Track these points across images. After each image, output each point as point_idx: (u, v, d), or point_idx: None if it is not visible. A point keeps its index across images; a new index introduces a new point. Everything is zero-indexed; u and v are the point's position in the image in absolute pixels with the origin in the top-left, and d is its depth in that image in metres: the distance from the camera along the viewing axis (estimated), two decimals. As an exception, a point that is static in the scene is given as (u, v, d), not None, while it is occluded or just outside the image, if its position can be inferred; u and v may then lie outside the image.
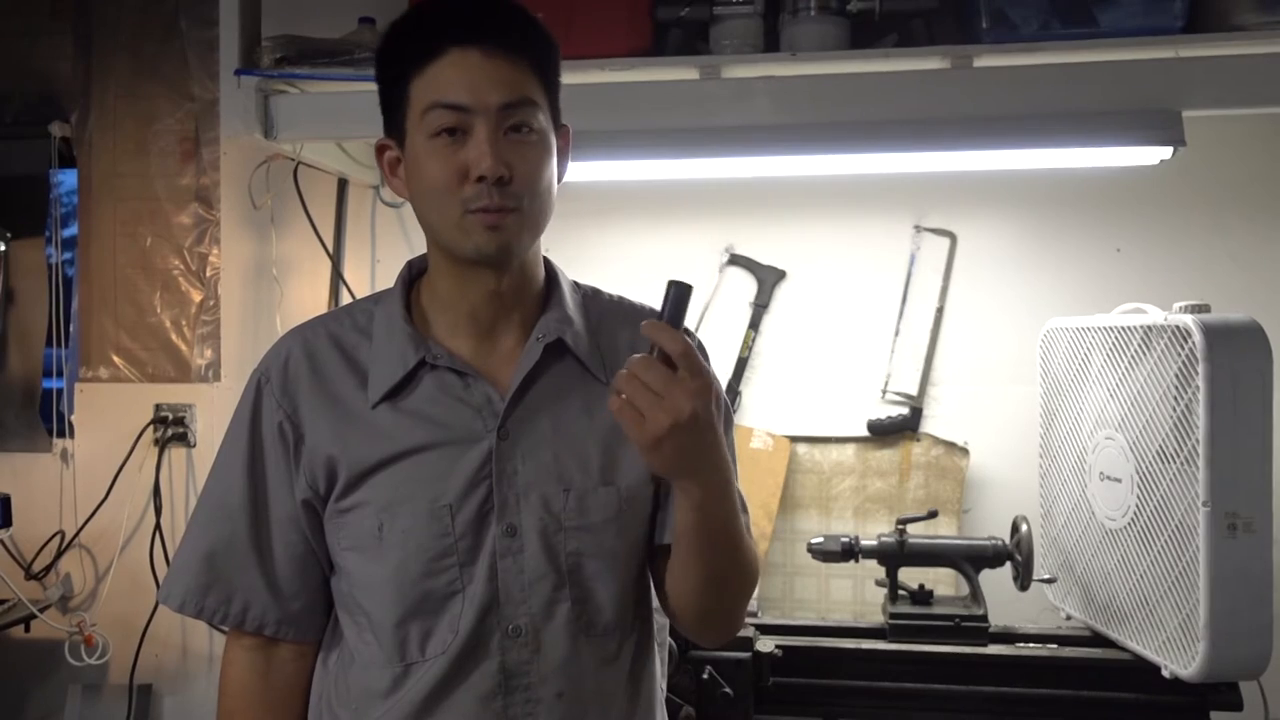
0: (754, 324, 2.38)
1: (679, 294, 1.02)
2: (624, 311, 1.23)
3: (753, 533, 1.22)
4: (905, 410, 2.32)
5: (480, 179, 1.04)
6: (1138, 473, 1.75)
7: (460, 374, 1.12)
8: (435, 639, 1.09)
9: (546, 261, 1.20)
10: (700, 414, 0.98)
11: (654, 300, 1.24)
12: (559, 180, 1.13)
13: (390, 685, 1.10)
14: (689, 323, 1.08)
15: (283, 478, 1.14)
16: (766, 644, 1.83)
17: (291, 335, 1.20)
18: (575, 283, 1.23)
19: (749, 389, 2.38)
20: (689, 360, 0.98)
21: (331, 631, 1.19)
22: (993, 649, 1.88)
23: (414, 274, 1.21)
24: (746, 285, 2.40)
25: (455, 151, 1.05)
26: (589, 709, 1.12)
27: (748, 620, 1.92)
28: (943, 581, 2.12)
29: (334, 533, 1.14)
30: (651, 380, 0.97)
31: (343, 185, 2.49)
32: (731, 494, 1.07)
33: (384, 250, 2.50)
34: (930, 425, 2.32)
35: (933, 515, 2.04)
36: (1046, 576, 2.01)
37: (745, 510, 1.19)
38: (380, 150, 1.15)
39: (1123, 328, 1.80)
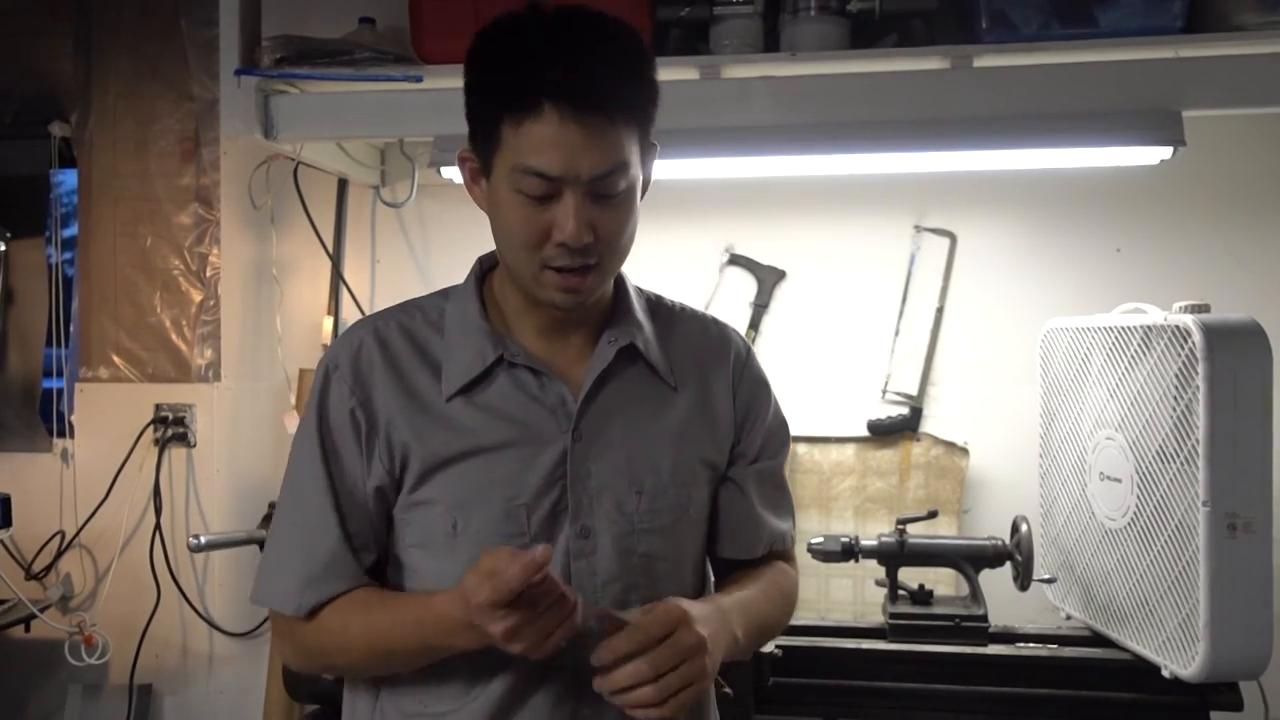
0: (754, 324, 2.39)
1: None
2: (688, 320, 1.26)
3: (792, 545, 1.30)
4: (905, 410, 2.32)
5: (562, 243, 1.04)
6: (1138, 473, 1.75)
7: (536, 373, 1.13)
8: None
9: None
10: (713, 650, 1.02)
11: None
12: (644, 193, 1.12)
13: (467, 682, 1.10)
14: None
15: (355, 464, 1.12)
16: (767, 644, 1.83)
17: (362, 325, 1.19)
18: (639, 288, 1.25)
19: (749, 389, 2.38)
20: (672, 622, 1.00)
21: None
22: (993, 649, 1.88)
23: (484, 270, 1.21)
24: (746, 285, 2.40)
25: (541, 211, 1.04)
26: None
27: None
28: (943, 581, 2.12)
29: (401, 528, 1.13)
30: (667, 660, 0.98)
31: (343, 185, 2.49)
32: (732, 630, 1.09)
33: (384, 250, 2.50)
34: (930, 425, 2.32)
35: (933, 515, 2.04)
36: (1046, 576, 2.01)
37: (792, 520, 1.29)
38: (463, 161, 1.13)
39: (1123, 328, 1.80)
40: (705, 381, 1.20)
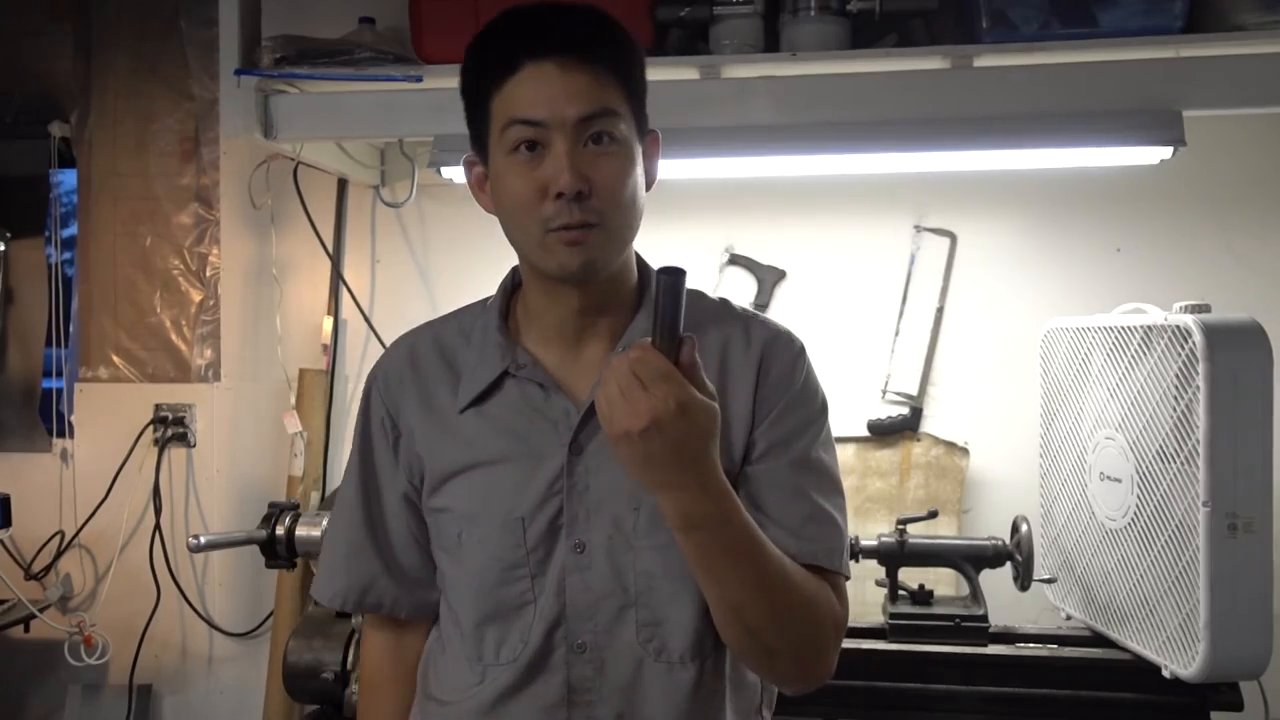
0: (754, 324, 2.38)
1: (669, 286, 0.98)
2: (716, 314, 1.19)
3: (838, 563, 1.10)
4: (905, 410, 2.32)
5: (559, 195, 1.03)
6: (1138, 473, 1.75)
7: (542, 386, 1.12)
8: (507, 645, 1.12)
9: (641, 262, 1.18)
10: (653, 430, 0.94)
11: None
12: (649, 186, 1.12)
13: (472, 680, 1.14)
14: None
15: (389, 470, 1.20)
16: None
17: (404, 337, 1.24)
18: None
19: (749, 389, 2.38)
20: (646, 370, 0.95)
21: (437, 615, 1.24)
22: (993, 649, 1.88)
23: (516, 281, 1.21)
24: (746, 285, 2.39)
25: (534, 168, 1.04)
26: None
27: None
28: (943, 581, 2.12)
29: (431, 531, 1.19)
30: (620, 381, 0.96)
31: (343, 185, 2.49)
32: (724, 523, 1.00)
33: (384, 250, 2.50)
34: (930, 425, 2.32)
35: (933, 515, 2.04)
36: (1046, 576, 2.01)
37: (829, 538, 1.10)
38: (468, 166, 1.14)
39: (1123, 328, 1.80)
40: (725, 387, 1.12)
